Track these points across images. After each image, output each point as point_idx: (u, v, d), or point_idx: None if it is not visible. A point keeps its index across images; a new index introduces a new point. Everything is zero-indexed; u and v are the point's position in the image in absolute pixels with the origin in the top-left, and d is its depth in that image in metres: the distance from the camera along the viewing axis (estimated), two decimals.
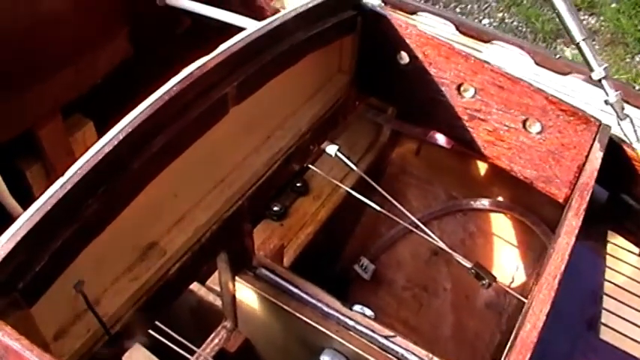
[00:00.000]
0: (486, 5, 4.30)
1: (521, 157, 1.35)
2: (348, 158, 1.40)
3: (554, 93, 1.26)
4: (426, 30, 1.40)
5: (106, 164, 0.87)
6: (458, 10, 4.27)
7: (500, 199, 1.87)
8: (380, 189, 1.35)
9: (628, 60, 3.94)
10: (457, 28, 1.87)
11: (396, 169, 2.00)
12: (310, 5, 1.27)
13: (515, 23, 4.18)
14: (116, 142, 0.88)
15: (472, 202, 1.88)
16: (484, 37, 1.84)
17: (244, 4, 1.68)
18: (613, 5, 4.25)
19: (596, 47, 4.02)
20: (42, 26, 1.44)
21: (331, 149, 1.49)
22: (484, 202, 1.87)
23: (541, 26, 4.10)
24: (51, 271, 0.85)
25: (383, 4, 1.45)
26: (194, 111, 1.02)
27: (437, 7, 4.30)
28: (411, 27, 1.37)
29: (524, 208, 1.82)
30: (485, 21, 4.19)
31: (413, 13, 1.88)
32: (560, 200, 1.34)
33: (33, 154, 1.57)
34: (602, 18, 4.18)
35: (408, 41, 1.38)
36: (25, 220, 0.81)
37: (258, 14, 1.63)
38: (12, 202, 1.42)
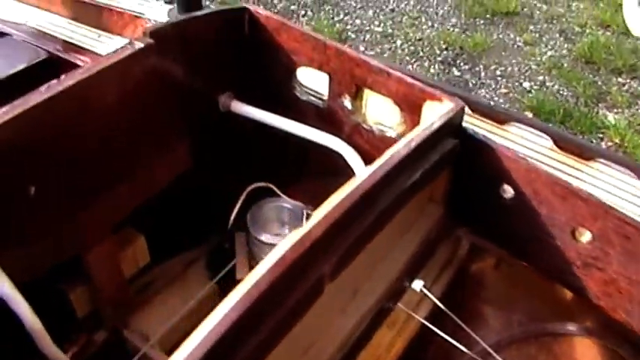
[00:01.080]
0: (527, 68, 4.25)
1: None
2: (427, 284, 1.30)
3: None
4: (521, 143, 1.31)
5: None
6: (498, 72, 4.21)
7: (588, 324, 1.78)
8: (458, 320, 1.26)
9: None
10: (555, 143, 1.72)
11: (474, 284, 1.91)
12: (415, 141, 1.18)
13: (556, 87, 4.12)
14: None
15: (558, 326, 1.78)
16: (586, 155, 1.68)
17: (319, 116, 1.58)
18: None
19: (639, 112, 3.95)
20: (96, 141, 1.35)
21: (417, 284, 1.42)
22: (571, 327, 1.77)
23: (582, 90, 4.03)
24: None
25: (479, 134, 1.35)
26: (288, 301, 0.95)
27: (477, 69, 4.24)
28: (521, 159, 1.28)
29: (617, 336, 1.73)
30: (526, 84, 4.13)
31: (503, 122, 1.77)
32: None
33: (77, 274, 1.49)
34: None
35: (514, 175, 1.29)
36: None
37: (334, 127, 1.55)
38: (55, 351, 1.34)
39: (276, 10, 4.63)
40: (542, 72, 4.25)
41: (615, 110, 3.98)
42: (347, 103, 1.51)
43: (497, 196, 1.33)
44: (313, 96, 1.59)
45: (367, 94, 1.48)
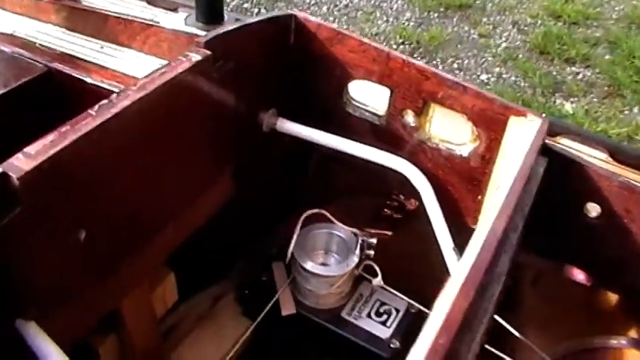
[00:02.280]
0: (483, 60, 4.29)
1: None
2: None
3: None
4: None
5: None
6: (455, 65, 4.23)
7: (636, 335, 1.75)
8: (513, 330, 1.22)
9: (627, 112, 3.99)
10: (611, 155, 1.64)
11: (512, 302, 1.88)
12: (525, 167, 1.10)
13: (513, 78, 4.18)
14: None
15: (607, 340, 1.74)
16: None
17: (375, 134, 1.46)
18: (607, 57, 4.31)
19: (594, 100, 4.06)
20: (147, 174, 1.22)
21: None
22: (623, 340, 1.73)
23: (539, 80, 4.11)
24: None
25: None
26: None
27: (434, 62, 4.25)
28: (613, 175, 1.21)
29: None
30: (484, 76, 4.17)
31: (556, 135, 1.71)
32: None
33: (107, 325, 1.35)
34: (597, 70, 4.23)
35: (605, 193, 1.23)
36: None
37: (393, 146, 1.47)
38: None
39: (229, 8, 4.48)
40: (498, 64, 4.30)
41: (572, 99, 4.07)
42: (409, 119, 1.43)
43: (578, 214, 1.29)
44: (368, 112, 1.50)
45: (433, 109, 1.40)
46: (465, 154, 1.37)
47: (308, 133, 1.48)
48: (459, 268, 0.89)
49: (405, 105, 1.40)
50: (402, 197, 1.78)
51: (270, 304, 1.57)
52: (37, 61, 1.69)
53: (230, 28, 1.33)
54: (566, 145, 1.66)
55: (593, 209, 1.26)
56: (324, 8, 4.66)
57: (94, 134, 1.04)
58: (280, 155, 1.57)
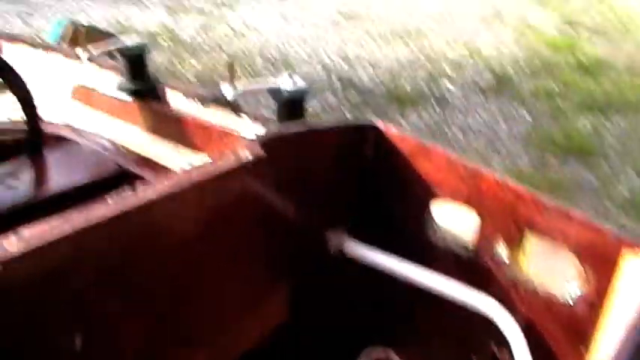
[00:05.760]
0: (603, 208, 3.97)
1: None
2: None
3: None
4: None
5: None
6: None
7: None
8: None
9: None
10: None
11: None
12: None
13: (638, 231, 3.85)
14: None
15: None
16: None
17: (460, 267, 1.27)
18: None
19: None
20: (169, 285, 1.06)
21: None
22: None
23: None
24: None
25: None
26: None
27: None
28: None
29: None
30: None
31: None
32: None
33: None
34: None
35: None
36: None
37: (480, 283, 1.24)
38: None
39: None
40: (619, 212, 3.99)
41: None
42: (501, 251, 1.20)
43: None
44: (453, 239, 1.29)
45: (530, 240, 1.17)
46: (569, 298, 1.14)
47: (381, 260, 1.30)
48: None
49: (496, 234, 1.19)
50: (493, 346, 1.50)
51: None
52: (114, 161, 1.63)
53: (292, 130, 1.19)
54: None
55: None
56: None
57: (107, 227, 0.89)
58: (348, 282, 1.37)
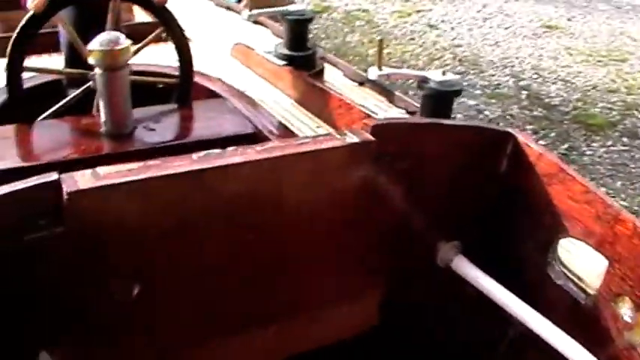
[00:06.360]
0: None
1: None
2: None
3: None
4: None
5: None
6: None
7: None
8: None
9: None
10: None
11: None
12: None
13: None
14: None
15: None
16: None
17: (573, 314, 1.11)
18: None
19: None
20: (269, 251, 1.04)
21: None
22: None
23: None
24: None
25: None
26: None
27: None
28: None
29: None
30: None
31: None
32: None
33: None
34: None
35: None
36: None
37: (592, 339, 1.07)
38: None
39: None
40: None
41: None
42: (625, 310, 1.03)
43: None
44: (574, 283, 1.12)
45: None
46: None
47: (491, 287, 1.16)
48: None
49: (623, 289, 1.02)
50: None
51: None
52: (252, 122, 1.63)
53: (414, 120, 1.09)
54: None
55: None
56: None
57: (186, 179, 0.86)
58: (448, 298, 1.25)
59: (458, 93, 1.58)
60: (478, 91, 4.57)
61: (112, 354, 0.99)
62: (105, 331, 0.96)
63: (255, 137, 1.56)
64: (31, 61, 1.57)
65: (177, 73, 1.70)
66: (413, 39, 5.50)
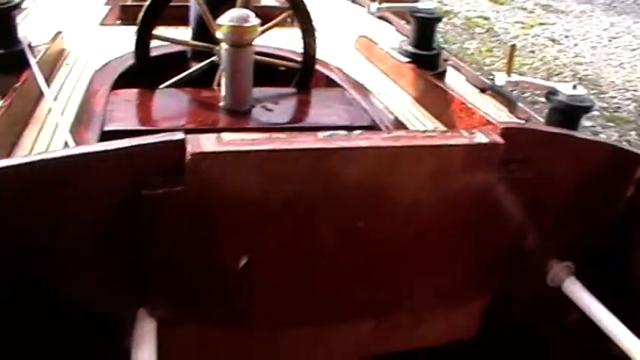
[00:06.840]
0: None
1: None
2: None
3: None
4: None
5: None
6: None
7: None
8: None
9: None
10: None
11: None
12: None
13: None
14: None
15: None
16: None
17: None
18: None
19: None
20: (349, 253, 1.02)
21: None
22: None
23: None
24: None
25: None
26: None
27: None
28: None
29: None
30: None
31: None
32: None
33: None
34: None
35: None
36: None
37: None
38: None
39: None
40: None
41: None
42: None
43: None
44: None
45: None
46: None
47: (603, 316, 1.10)
48: None
49: None
50: None
51: None
52: (369, 115, 1.62)
53: (547, 128, 1.05)
54: None
55: None
56: None
57: (310, 156, 0.86)
58: (555, 319, 1.20)
59: (587, 109, 1.51)
60: (596, 112, 4.38)
61: (205, 320, 1.01)
62: (205, 297, 0.98)
63: (371, 130, 1.55)
64: (158, 32, 1.62)
65: (299, 59, 1.72)
66: (533, 52, 5.35)
